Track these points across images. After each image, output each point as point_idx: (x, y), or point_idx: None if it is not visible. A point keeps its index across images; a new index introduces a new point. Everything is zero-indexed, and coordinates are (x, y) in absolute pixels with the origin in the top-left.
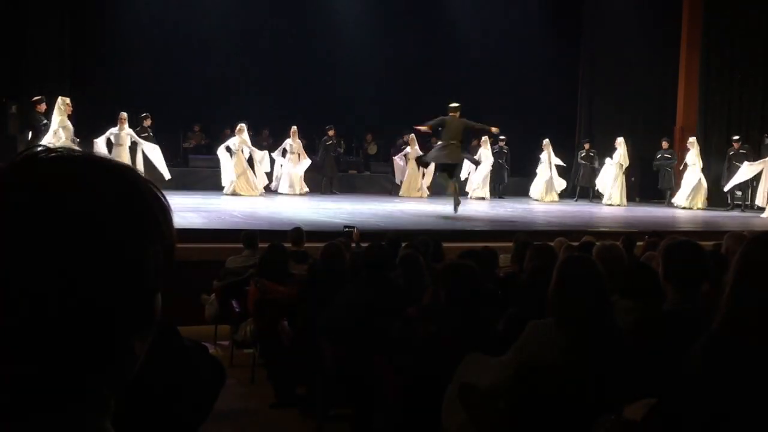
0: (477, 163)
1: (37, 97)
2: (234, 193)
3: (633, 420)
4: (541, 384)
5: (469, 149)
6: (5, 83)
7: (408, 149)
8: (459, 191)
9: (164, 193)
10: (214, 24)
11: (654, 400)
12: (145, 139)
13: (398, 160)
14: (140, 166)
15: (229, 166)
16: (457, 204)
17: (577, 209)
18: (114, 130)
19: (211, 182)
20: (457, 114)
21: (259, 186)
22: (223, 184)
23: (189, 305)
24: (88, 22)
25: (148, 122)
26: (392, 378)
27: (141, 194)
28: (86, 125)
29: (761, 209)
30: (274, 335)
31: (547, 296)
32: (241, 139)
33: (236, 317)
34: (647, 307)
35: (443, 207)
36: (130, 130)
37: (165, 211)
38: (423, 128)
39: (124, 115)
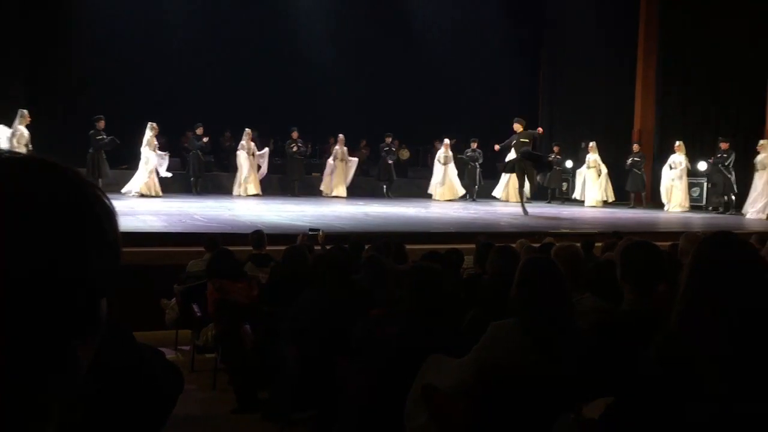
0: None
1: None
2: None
3: (592, 419)
4: (503, 384)
5: (432, 151)
6: None
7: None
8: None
9: (108, 195)
10: (175, 25)
11: (612, 398)
12: (98, 142)
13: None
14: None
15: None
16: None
17: (540, 211)
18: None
19: (172, 184)
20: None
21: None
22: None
23: (149, 310)
24: (46, 23)
25: (101, 124)
26: (355, 380)
27: (84, 197)
28: (44, 127)
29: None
30: (235, 339)
31: (508, 297)
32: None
33: (197, 322)
34: (607, 307)
35: (406, 209)
36: None
37: (109, 214)
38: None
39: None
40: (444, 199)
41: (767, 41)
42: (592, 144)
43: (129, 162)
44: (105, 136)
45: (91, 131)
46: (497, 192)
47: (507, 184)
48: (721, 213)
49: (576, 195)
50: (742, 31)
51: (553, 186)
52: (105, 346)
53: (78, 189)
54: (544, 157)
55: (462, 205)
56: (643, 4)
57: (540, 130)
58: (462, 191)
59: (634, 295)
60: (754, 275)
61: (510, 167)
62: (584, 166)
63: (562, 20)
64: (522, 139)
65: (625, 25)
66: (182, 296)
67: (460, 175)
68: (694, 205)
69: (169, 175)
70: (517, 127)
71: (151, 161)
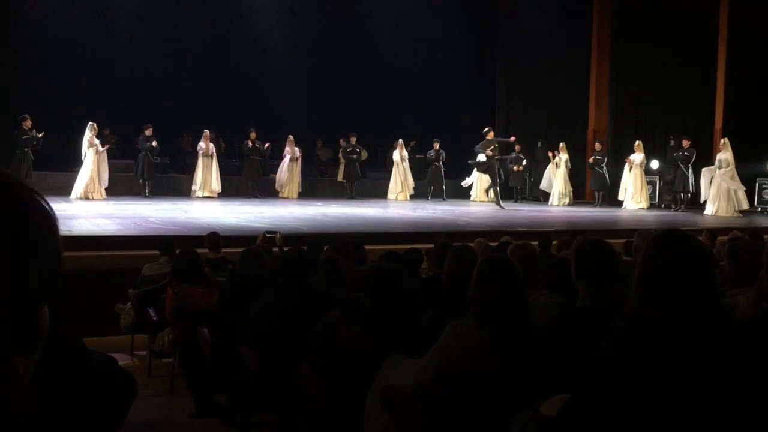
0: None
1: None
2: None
3: (549, 415)
4: (461, 383)
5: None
6: None
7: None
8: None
9: (48, 200)
10: (127, 24)
11: (567, 395)
12: (25, 141)
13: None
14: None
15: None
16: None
17: (503, 210)
18: None
19: (123, 186)
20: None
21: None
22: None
23: (104, 315)
24: None
25: (27, 123)
26: (314, 382)
27: (21, 201)
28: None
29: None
30: (193, 344)
31: (466, 297)
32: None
33: (154, 326)
34: (562, 304)
35: (365, 210)
36: None
37: (49, 219)
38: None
39: None
40: (399, 199)
41: (716, 39)
42: (562, 144)
43: (77, 164)
44: (31, 135)
45: (16, 131)
46: (473, 191)
47: (478, 183)
48: (675, 210)
49: (544, 194)
50: (692, 31)
51: (516, 185)
52: (51, 354)
53: (15, 193)
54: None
55: (421, 205)
56: (596, 4)
57: (513, 138)
58: (411, 192)
59: (588, 293)
60: (701, 271)
61: (486, 168)
62: (551, 165)
63: (517, 20)
64: (495, 145)
65: (579, 25)
66: (138, 300)
67: (423, 176)
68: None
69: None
70: (491, 135)
71: (93, 162)
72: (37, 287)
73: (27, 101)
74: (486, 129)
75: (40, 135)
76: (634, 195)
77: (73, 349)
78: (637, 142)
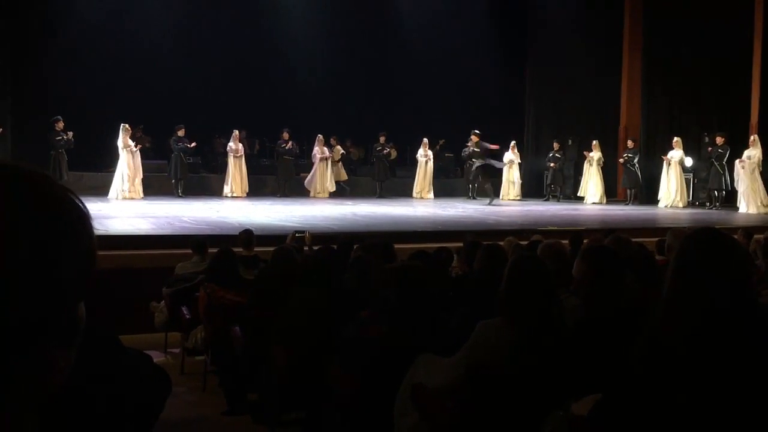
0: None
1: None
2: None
3: (581, 415)
4: (492, 382)
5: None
6: None
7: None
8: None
9: (85, 200)
10: (160, 26)
11: (599, 395)
12: (58, 143)
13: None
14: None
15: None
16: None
17: (529, 209)
18: None
19: (157, 186)
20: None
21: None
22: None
23: (138, 313)
24: (27, 26)
25: (60, 125)
26: (344, 380)
27: (55, 200)
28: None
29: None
30: (225, 342)
31: (497, 296)
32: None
33: (187, 324)
34: (593, 304)
35: (395, 208)
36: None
37: (83, 219)
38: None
39: None
40: (423, 197)
41: (753, 33)
42: (595, 142)
43: (112, 165)
44: (64, 137)
45: (50, 133)
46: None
47: (506, 182)
48: (709, 208)
49: (580, 192)
50: (726, 24)
51: (555, 183)
52: (88, 351)
53: (50, 193)
54: (488, 165)
55: (450, 204)
56: (627, 1)
57: (496, 146)
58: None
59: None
60: (736, 272)
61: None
62: (586, 163)
63: (546, 17)
64: (477, 149)
65: (610, 21)
66: (171, 299)
67: (454, 175)
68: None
69: None
70: (474, 139)
71: (127, 163)
72: (73, 284)
73: (62, 103)
74: (473, 131)
75: (70, 135)
76: (671, 193)
77: (110, 346)
78: (675, 139)
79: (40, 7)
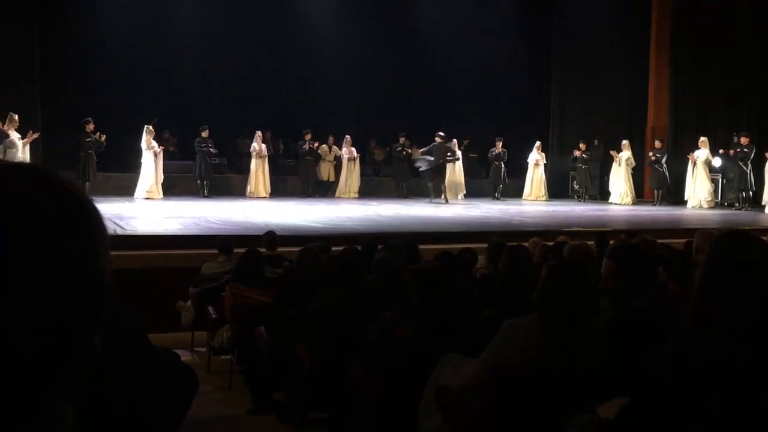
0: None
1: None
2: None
3: (606, 419)
4: (517, 383)
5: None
6: None
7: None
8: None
9: (113, 200)
10: (184, 28)
11: (626, 398)
12: (88, 144)
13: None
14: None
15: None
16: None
17: (553, 209)
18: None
19: (182, 186)
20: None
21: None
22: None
23: (165, 312)
24: (57, 30)
25: (90, 127)
26: (368, 382)
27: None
28: (54, 132)
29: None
30: (250, 341)
31: (520, 296)
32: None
33: (213, 324)
34: (621, 303)
35: (420, 209)
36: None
37: (102, 223)
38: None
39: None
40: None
41: None
42: (624, 142)
43: (139, 166)
44: (93, 138)
45: (80, 134)
46: (525, 190)
47: (532, 183)
48: (738, 209)
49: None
50: (756, 24)
51: (582, 184)
52: (118, 348)
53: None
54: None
55: (474, 204)
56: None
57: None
58: (462, 191)
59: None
60: (766, 274)
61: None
62: (614, 163)
63: (573, 17)
64: (441, 149)
65: (637, 20)
66: (198, 298)
67: (478, 175)
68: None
69: None
70: (438, 139)
71: (151, 163)
72: (107, 279)
73: (91, 105)
74: (437, 133)
75: (101, 137)
76: (698, 193)
77: (138, 344)
78: (701, 139)
79: (69, 14)
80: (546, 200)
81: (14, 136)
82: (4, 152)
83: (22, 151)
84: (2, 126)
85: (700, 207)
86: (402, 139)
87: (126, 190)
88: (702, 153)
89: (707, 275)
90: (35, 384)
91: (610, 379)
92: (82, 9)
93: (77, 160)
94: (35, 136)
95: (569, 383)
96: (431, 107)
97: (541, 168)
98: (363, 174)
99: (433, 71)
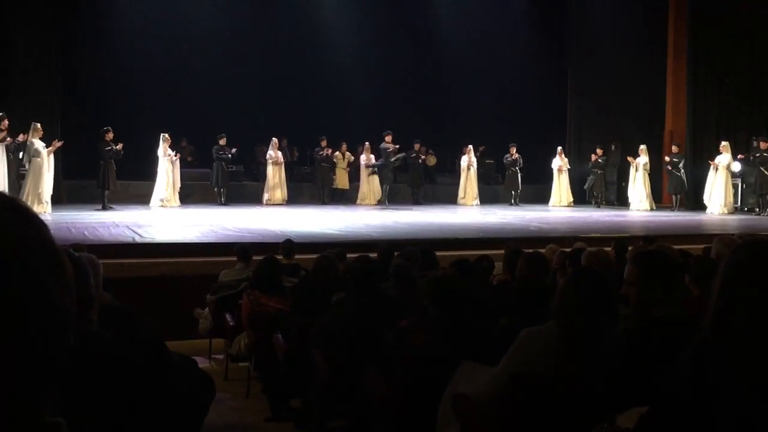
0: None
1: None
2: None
3: (626, 428)
4: (535, 392)
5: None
6: None
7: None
8: None
9: (130, 207)
10: (201, 36)
11: (645, 408)
12: (107, 153)
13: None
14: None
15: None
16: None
17: (571, 215)
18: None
19: (198, 194)
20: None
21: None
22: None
23: (183, 320)
24: (76, 41)
25: (110, 136)
26: (385, 389)
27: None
28: (74, 141)
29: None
30: (267, 349)
31: (538, 304)
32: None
33: (230, 331)
34: (644, 310)
35: (436, 215)
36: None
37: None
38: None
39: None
40: (467, 204)
41: None
42: (642, 147)
43: (155, 174)
44: (113, 147)
45: (99, 143)
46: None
47: (558, 190)
48: (758, 214)
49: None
50: None
51: (597, 189)
52: (137, 355)
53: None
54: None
55: (491, 210)
56: (671, 3)
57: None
58: (475, 198)
59: (663, 303)
60: None
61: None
62: (632, 169)
63: (588, 21)
64: (389, 150)
65: (654, 25)
66: (215, 306)
67: (495, 181)
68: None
69: None
70: (388, 139)
71: (167, 171)
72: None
73: (110, 114)
74: (385, 132)
75: (119, 147)
76: (718, 198)
77: (158, 351)
78: (722, 143)
79: (88, 26)
80: (572, 206)
81: (39, 144)
82: (29, 161)
83: (47, 159)
84: (25, 136)
85: (721, 213)
86: (417, 146)
87: (144, 198)
88: (724, 158)
89: (726, 283)
90: (15, 402)
91: (630, 389)
92: (100, 20)
93: (97, 168)
94: (59, 144)
95: (588, 392)
96: (447, 114)
97: (565, 173)
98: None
99: (449, 78)
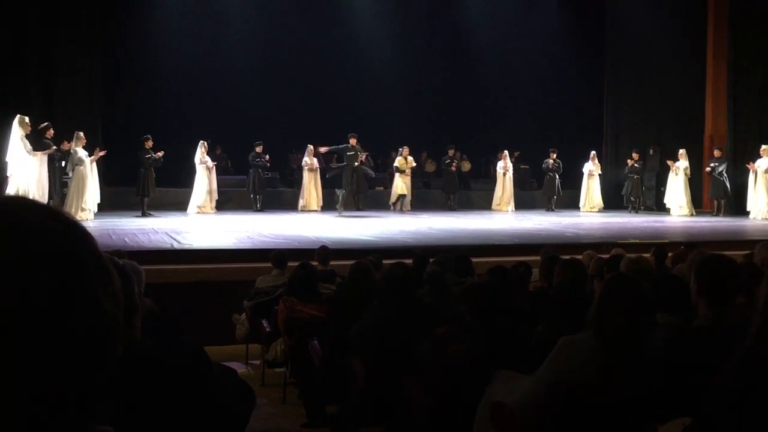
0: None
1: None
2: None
3: None
4: (574, 401)
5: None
6: (40, 108)
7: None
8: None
9: (168, 214)
10: (235, 49)
11: (688, 419)
12: (147, 160)
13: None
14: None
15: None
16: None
17: (608, 221)
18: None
19: (236, 201)
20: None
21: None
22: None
23: (220, 325)
24: (116, 51)
25: (149, 144)
26: (422, 397)
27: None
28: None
29: None
30: (303, 355)
31: (577, 312)
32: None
33: (267, 336)
34: (679, 322)
35: (471, 221)
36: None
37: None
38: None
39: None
40: (502, 210)
41: None
42: (681, 151)
43: (191, 182)
44: (153, 155)
45: (139, 151)
46: (581, 202)
47: (588, 194)
48: None
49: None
50: None
51: (634, 196)
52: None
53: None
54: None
55: (527, 216)
56: (711, 6)
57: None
58: (510, 204)
59: (709, 311)
60: None
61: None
62: (671, 173)
63: (626, 25)
64: (351, 153)
65: (693, 26)
66: (252, 312)
67: (529, 187)
68: None
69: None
70: (353, 141)
71: (204, 179)
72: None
73: (149, 122)
74: (350, 134)
75: (160, 154)
76: (760, 203)
77: (199, 361)
78: (762, 147)
79: (127, 36)
80: (601, 210)
81: (82, 153)
82: (73, 169)
83: (90, 168)
84: (68, 144)
85: (764, 218)
86: (451, 152)
87: (182, 205)
88: (763, 162)
89: None
90: (66, 411)
91: (672, 398)
92: (139, 30)
93: (137, 176)
94: (102, 153)
95: (628, 402)
96: (481, 119)
97: (596, 178)
98: (414, 187)
99: (484, 83)
